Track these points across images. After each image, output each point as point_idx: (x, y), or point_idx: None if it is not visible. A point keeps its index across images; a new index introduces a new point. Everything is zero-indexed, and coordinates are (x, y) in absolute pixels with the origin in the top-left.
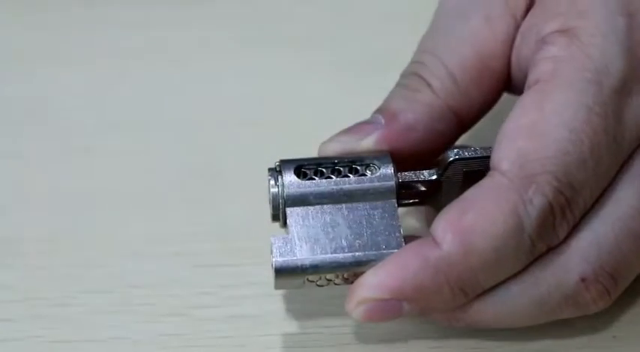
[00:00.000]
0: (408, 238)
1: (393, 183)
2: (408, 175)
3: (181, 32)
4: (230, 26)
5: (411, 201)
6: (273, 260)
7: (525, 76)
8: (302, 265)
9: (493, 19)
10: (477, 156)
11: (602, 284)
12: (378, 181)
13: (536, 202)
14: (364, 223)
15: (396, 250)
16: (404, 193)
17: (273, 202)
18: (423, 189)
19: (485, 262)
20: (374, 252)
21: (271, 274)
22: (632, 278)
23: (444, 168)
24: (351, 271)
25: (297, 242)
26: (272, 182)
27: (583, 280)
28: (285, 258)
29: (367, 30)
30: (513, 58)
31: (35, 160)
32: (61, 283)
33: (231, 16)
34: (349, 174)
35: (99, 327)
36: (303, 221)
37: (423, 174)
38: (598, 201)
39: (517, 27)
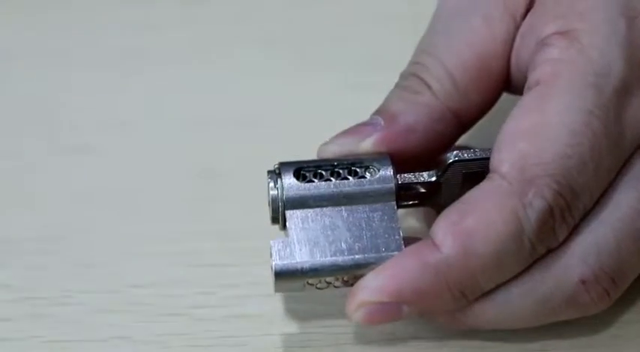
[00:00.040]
0: (408, 240)
1: (392, 185)
2: (408, 177)
3: (181, 32)
4: (230, 26)
5: (410, 202)
6: (273, 263)
7: (525, 77)
8: (302, 268)
9: (492, 20)
10: (476, 157)
11: (602, 285)
12: (378, 183)
13: (536, 205)
14: (364, 226)
15: (395, 253)
16: (403, 195)
17: (272, 205)
18: (423, 190)
19: (486, 265)
20: (374, 255)
21: (271, 277)
22: (632, 279)
23: (443, 169)
24: (350, 274)
25: (296, 245)
26: (271, 184)
27: (583, 282)
28: (285, 262)
29: (367, 30)
30: (513, 59)
31: (35, 160)
32: (60, 283)
33: (231, 16)
34: (349, 177)
35: (99, 327)
36: (302, 224)
37: (422, 176)
38: (598, 202)
39: (517, 27)
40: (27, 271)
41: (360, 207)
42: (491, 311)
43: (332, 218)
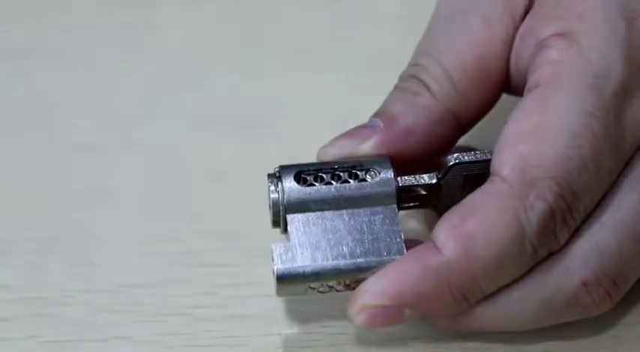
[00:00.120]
0: (409, 243)
1: (393, 188)
2: (408, 179)
3: (181, 32)
4: (230, 26)
5: (411, 204)
6: (275, 267)
7: (524, 78)
8: (304, 272)
9: (491, 20)
10: (476, 159)
11: (604, 287)
12: (379, 186)
13: (537, 208)
14: (365, 229)
15: (397, 256)
16: (404, 197)
17: (273, 209)
18: (423, 192)
19: (487, 268)
20: (375, 259)
21: (273, 281)
22: (633, 281)
23: (444, 172)
24: (352, 278)
25: (298, 249)
26: (272, 188)
27: (584, 284)
28: (287, 266)
29: (367, 30)
30: (512, 60)
31: (35, 160)
32: (60, 283)
33: (231, 16)
34: (349, 180)
35: (99, 327)
36: (303, 227)
37: (423, 178)
38: (599, 204)
39: (516, 28)
40: (27, 271)
41: (361, 211)
42: (492, 313)
43: (333, 221)
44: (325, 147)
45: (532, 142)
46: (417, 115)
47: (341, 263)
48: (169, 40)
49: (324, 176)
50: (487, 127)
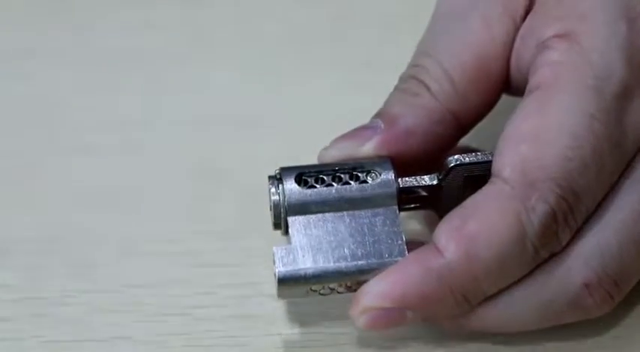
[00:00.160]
0: (410, 244)
1: (394, 189)
2: (409, 180)
3: (181, 32)
4: (230, 26)
5: (412, 205)
6: (277, 270)
7: (525, 79)
8: (305, 275)
9: (491, 21)
10: (477, 161)
11: (605, 288)
12: (379, 188)
13: (538, 209)
14: (366, 231)
15: (398, 258)
16: (405, 198)
17: (274, 211)
18: (424, 193)
19: (489, 270)
20: (377, 261)
21: (274, 284)
22: (634, 282)
23: (444, 173)
24: (354, 280)
25: (299, 251)
26: (273, 190)
27: (586, 285)
28: (289, 268)
29: (367, 30)
30: (513, 61)
31: (35, 160)
32: (60, 283)
33: (231, 16)
34: (350, 181)
35: (99, 327)
36: (305, 230)
37: (424, 180)
38: (600, 206)
39: (516, 29)
40: (27, 271)
41: (362, 212)
42: (494, 315)
43: (334, 223)
44: (326, 148)
45: (533, 144)
46: (418, 116)
47: (342, 265)
48: (169, 40)
49: (324, 178)
50: (488, 128)
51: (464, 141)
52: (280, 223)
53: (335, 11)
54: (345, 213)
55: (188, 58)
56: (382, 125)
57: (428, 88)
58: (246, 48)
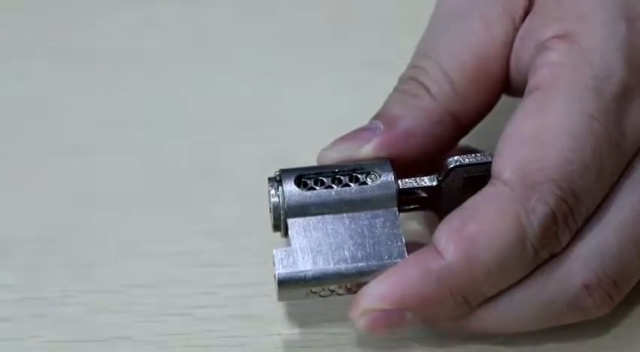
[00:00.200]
0: (410, 246)
1: (393, 191)
2: (409, 182)
3: (181, 32)
4: (230, 26)
5: (411, 206)
6: (276, 272)
7: (524, 79)
8: (305, 277)
9: (491, 21)
10: (477, 162)
11: (605, 289)
12: (379, 190)
13: (538, 211)
14: (366, 233)
15: (398, 260)
16: (405, 199)
17: (274, 213)
18: (424, 195)
19: (489, 272)
20: (376, 263)
21: (274, 286)
22: (634, 283)
23: (444, 174)
24: (354, 282)
25: (299, 253)
26: (272, 192)
27: (586, 286)
28: (288, 270)
29: (367, 30)
30: (512, 61)
31: (35, 160)
32: (60, 283)
33: (230, 16)
34: (350, 183)
35: (99, 327)
36: (304, 232)
37: (423, 181)
38: (600, 207)
39: (516, 29)
40: (27, 271)
41: (362, 214)
42: (494, 316)
43: (334, 225)
44: (325, 150)
45: (533, 145)
46: (417, 117)
47: (342, 267)
48: (169, 40)
49: (324, 180)
50: (487, 128)
51: (464, 141)
52: (280, 225)
53: (335, 11)
54: (344, 214)
55: (188, 58)
56: (382, 126)
57: (427, 90)
58: (246, 48)
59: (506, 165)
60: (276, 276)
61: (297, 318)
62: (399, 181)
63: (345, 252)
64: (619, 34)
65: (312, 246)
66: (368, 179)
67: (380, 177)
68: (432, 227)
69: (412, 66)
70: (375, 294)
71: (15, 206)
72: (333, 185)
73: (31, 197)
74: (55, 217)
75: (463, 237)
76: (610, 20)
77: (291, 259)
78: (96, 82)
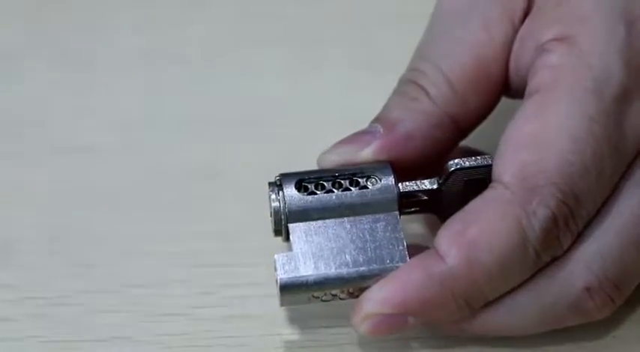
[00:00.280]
0: (412, 249)
1: (394, 194)
2: (409, 185)
3: (181, 32)
4: (230, 26)
5: (412, 209)
6: (278, 277)
7: (524, 82)
8: (307, 282)
9: (490, 23)
10: (477, 165)
11: (606, 292)
12: (380, 193)
13: (539, 214)
14: (367, 237)
15: (400, 264)
16: (405, 202)
17: (274, 217)
18: (425, 198)
19: (490, 275)
20: (378, 267)
21: (276, 291)
22: (635, 285)
23: (444, 177)
24: (356, 286)
25: (300, 258)
26: (273, 196)
27: (587, 289)
28: (290, 275)
29: (367, 30)
30: (512, 64)
31: (35, 160)
32: (60, 283)
33: (230, 16)
34: (350, 187)
35: (99, 327)
36: (306, 237)
37: (424, 184)
38: (601, 210)
39: (515, 31)
40: (27, 271)
41: (363, 218)
42: (496, 319)
43: (335, 230)
44: (325, 153)
45: (533, 148)
46: (417, 120)
47: (344, 271)
48: (169, 40)
49: (325, 184)
50: (488, 130)
51: (465, 142)
52: (281, 230)
53: (335, 11)
54: (345, 219)
55: (188, 58)
56: (381, 130)
57: (426, 93)
58: (247, 48)
59: (506, 168)
60: (278, 281)
61: (297, 318)
62: (400, 184)
63: (347, 256)
64: (618, 36)
65: (314, 251)
66: (368, 183)
67: (380, 180)
68: (433, 229)
69: (411, 68)
70: (377, 299)
71: (15, 206)
72: (334, 189)
73: (31, 197)
74: (55, 217)
75: (464, 241)
76: (609, 23)
77: (292, 264)
78: (96, 82)
